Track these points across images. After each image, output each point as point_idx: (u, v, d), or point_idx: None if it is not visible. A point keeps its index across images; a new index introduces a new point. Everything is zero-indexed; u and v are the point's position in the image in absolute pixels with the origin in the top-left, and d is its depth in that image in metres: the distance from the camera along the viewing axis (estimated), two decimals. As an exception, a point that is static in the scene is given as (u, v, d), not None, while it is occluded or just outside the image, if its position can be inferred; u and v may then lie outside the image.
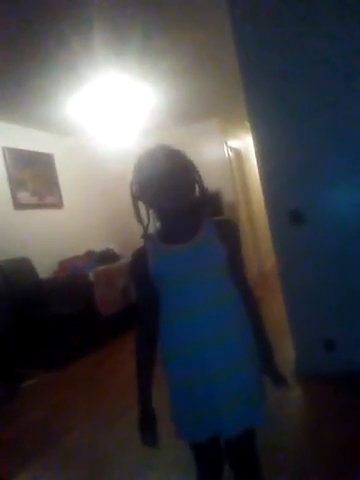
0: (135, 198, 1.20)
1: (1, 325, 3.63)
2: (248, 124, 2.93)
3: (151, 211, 1.20)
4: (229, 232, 1.21)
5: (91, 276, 4.52)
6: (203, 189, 1.21)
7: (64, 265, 4.98)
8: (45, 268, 4.76)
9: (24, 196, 4.90)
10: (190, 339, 1.13)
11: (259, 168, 2.85)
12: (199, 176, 1.21)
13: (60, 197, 5.48)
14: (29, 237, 4.72)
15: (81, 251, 5.26)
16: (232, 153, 6.66)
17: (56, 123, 5.07)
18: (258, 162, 2.85)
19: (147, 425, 1.20)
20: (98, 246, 5.44)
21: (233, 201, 6.22)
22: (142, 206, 1.21)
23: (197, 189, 1.20)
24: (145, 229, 1.22)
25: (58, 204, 5.44)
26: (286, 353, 2.92)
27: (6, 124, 4.76)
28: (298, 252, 2.73)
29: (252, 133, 2.85)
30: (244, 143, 7.02)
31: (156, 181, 1.12)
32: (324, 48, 2.53)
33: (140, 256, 1.20)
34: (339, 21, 2.50)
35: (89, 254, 5.28)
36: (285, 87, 2.66)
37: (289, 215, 2.68)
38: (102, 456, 2.32)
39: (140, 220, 1.21)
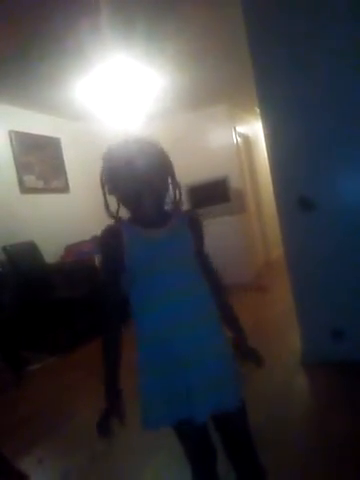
0: (105, 191, 1.19)
1: (7, 309, 3.64)
2: (257, 109, 2.88)
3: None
4: (195, 222, 1.23)
5: (97, 261, 4.52)
6: (177, 184, 1.20)
7: (70, 250, 4.98)
8: (51, 252, 4.77)
9: (30, 180, 4.88)
10: (164, 325, 1.14)
11: (268, 154, 2.80)
12: (173, 172, 1.19)
13: (66, 181, 5.46)
14: (35, 221, 4.73)
15: (87, 236, 5.25)
16: (240, 139, 6.59)
17: (63, 107, 5.02)
18: (267, 148, 2.81)
19: (112, 411, 1.20)
20: (104, 231, 5.43)
21: (240, 188, 6.17)
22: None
23: (170, 185, 1.19)
24: (116, 219, 1.21)
25: (64, 188, 5.42)
26: (292, 342, 2.91)
27: (13, 108, 4.73)
28: (306, 240, 2.70)
29: (261, 118, 2.80)
30: (253, 129, 6.94)
31: (128, 181, 1.10)
32: (336, 35, 2.48)
33: (114, 237, 1.15)
34: (352, 12, 2.44)
35: (95, 239, 5.27)
36: (296, 72, 2.61)
37: (298, 202, 2.64)
38: (109, 439, 2.33)
39: (111, 213, 1.19)
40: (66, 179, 5.46)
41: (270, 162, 2.79)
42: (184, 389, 1.13)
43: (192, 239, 1.18)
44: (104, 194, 1.19)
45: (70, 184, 5.50)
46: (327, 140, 2.60)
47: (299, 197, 2.64)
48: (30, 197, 4.84)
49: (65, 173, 5.45)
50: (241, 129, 6.57)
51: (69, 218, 5.24)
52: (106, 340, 1.21)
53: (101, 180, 1.18)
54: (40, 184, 5.04)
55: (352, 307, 2.64)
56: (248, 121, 6.82)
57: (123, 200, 1.16)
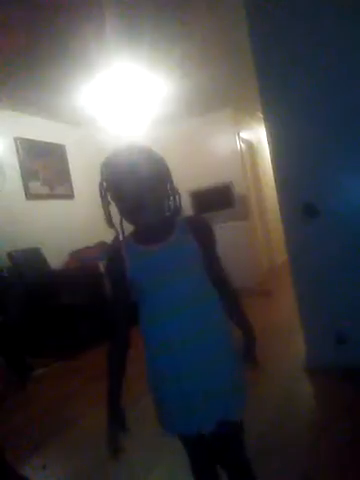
0: (105, 201, 1.17)
1: (12, 314, 3.66)
2: (261, 115, 2.89)
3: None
4: (201, 230, 1.18)
5: (102, 267, 4.53)
6: (175, 191, 1.18)
7: (75, 256, 5.00)
8: (56, 259, 4.79)
9: (36, 186, 4.92)
10: (168, 339, 1.13)
11: (272, 160, 2.81)
12: (170, 176, 1.18)
13: (71, 188, 5.49)
14: (40, 227, 4.76)
15: (92, 242, 5.27)
16: (244, 145, 6.61)
17: (68, 114, 5.07)
18: (271, 154, 2.81)
19: (113, 428, 1.23)
20: (108, 237, 5.43)
21: (244, 193, 6.18)
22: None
23: (169, 190, 1.17)
24: (120, 233, 1.19)
25: (69, 195, 5.45)
26: (296, 347, 2.90)
27: (18, 114, 4.78)
28: (310, 246, 2.70)
29: (265, 124, 2.80)
30: (256, 135, 6.96)
31: (128, 189, 1.09)
32: (339, 37, 2.48)
33: (116, 257, 1.16)
34: (352, 9, 2.44)
35: (100, 245, 5.29)
36: (300, 78, 2.61)
37: (302, 208, 2.64)
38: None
39: (111, 224, 1.18)
40: (71, 185, 5.49)
41: (274, 168, 2.80)
42: (190, 400, 1.13)
43: (197, 247, 1.14)
44: (103, 203, 1.17)
45: (75, 190, 5.53)
46: (332, 146, 2.60)
47: (303, 204, 2.64)
48: (35, 203, 4.87)
49: (70, 179, 5.49)
50: (245, 135, 6.59)
51: (74, 224, 5.27)
52: (112, 353, 1.23)
53: (100, 189, 1.17)
54: (45, 190, 5.07)
55: (356, 313, 2.62)
56: (252, 127, 6.84)
57: (122, 209, 1.14)
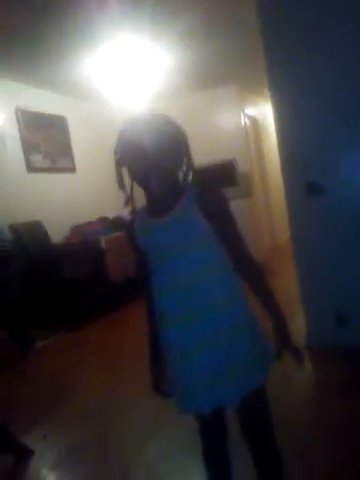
0: (118, 165, 1.15)
1: (14, 287, 3.67)
2: (267, 91, 2.83)
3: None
4: (210, 201, 1.12)
5: (103, 243, 4.53)
6: (190, 165, 1.16)
7: (76, 230, 4.99)
8: (57, 233, 4.78)
9: (37, 159, 4.87)
10: (175, 313, 1.13)
11: (278, 137, 2.76)
12: (188, 149, 1.16)
13: (73, 161, 5.44)
14: (41, 201, 4.73)
15: (93, 217, 5.26)
16: (249, 121, 6.51)
17: (70, 85, 4.97)
18: (277, 131, 2.77)
19: (157, 386, 1.25)
20: (110, 213, 5.43)
21: (248, 171, 6.12)
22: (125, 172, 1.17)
23: (184, 164, 1.15)
24: (129, 197, 1.19)
25: (71, 168, 5.40)
26: (297, 327, 2.92)
27: (19, 84, 4.68)
28: (313, 224, 2.68)
29: (272, 101, 2.75)
30: (262, 111, 6.85)
31: (139, 156, 1.08)
32: (348, 16, 2.42)
33: (129, 230, 1.21)
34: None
35: (101, 220, 5.28)
36: (308, 54, 2.56)
37: (306, 186, 2.62)
38: (113, 415, 2.38)
39: (123, 187, 1.17)
40: (72, 159, 5.44)
41: (279, 146, 2.76)
42: (203, 377, 1.12)
43: (203, 221, 1.09)
44: (117, 169, 1.16)
45: (76, 164, 5.48)
46: (338, 124, 2.56)
47: (307, 182, 2.62)
48: (37, 176, 4.84)
49: (71, 153, 5.43)
50: (250, 111, 6.48)
51: (75, 198, 5.24)
52: (147, 312, 1.25)
53: (115, 154, 1.15)
54: (47, 163, 5.02)
55: (358, 293, 2.63)
56: (257, 103, 6.73)
57: (133, 177, 1.14)
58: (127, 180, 1.18)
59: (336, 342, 2.63)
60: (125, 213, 5.65)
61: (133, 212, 1.22)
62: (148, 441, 2.07)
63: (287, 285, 3.08)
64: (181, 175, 1.15)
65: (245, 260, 1.16)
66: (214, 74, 5.30)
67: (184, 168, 1.15)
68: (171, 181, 1.14)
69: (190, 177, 1.17)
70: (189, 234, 1.12)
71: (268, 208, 6.99)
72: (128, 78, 4.73)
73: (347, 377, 2.36)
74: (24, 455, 2.10)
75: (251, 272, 1.17)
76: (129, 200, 1.20)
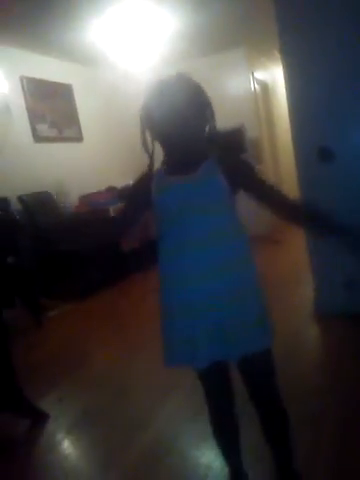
0: (143, 125, 1.17)
1: (25, 257, 3.71)
2: (277, 54, 2.74)
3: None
4: (232, 166, 1.16)
5: (112, 212, 4.53)
6: (213, 128, 1.18)
7: (84, 200, 4.98)
8: (65, 202, 4.77)
9: (43, 128, 4.81)
10: (190, 270, 1.15)
11: (288, 102, 2.69)
12: (212, 113, 1.17)
13: (79, 130, 5.37)
14: (49, 171, 4.71)
15: (101, 186, 5.23)
16: (258, 86, 6.34)
17: (75, 52, 4.85)
18: (288, 96, 2.69)
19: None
20: (119, 182, 5.40)
21: (257, 137, 6.00)
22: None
23: (207, 127, 1.17)
24: (151, 158, 1.20)
25: (78, 137, 5.35)
26: (306, 294, 2.93)
27: (24, 52, 4.59)
28: (324, 190, 2.63)
29: (283, 64, 2.67)
30: (271, 75, 6.65)
31: (164, 112, 1.09)
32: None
33: (144, 181, 1.21)
34: None
35: (110, 190, 5.25)
36: (321, 17, 2.47)
37: (317, 152, 2.56)
38: (126, 380, 2.44)
39: (147, 148, 1.19)
40: (79, 128, 5.37)
41: (290, 111, 2.69)
42: (206, 331, 1.15)
43: (223, 185, 1.13)
44: (142, 130, 1.17)
45: (83, 133, 5.41)
46: (351, 89, 2.49)
47: (318, 147, 2.56)
48: (43, 146, 4.79)
49: (78, 121, 5.35)
50: (259, 75, 6.29)
51: (83, 168, 5.20)
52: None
53: (141, 114, 1.16)
54: (53, 133, 4.97)
55: (367, 260, 2.62)
56: (267, 66, 6.52)
57: (158, 136, 1.16)
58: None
59: (345, 308, 2.64)
60: (132, 182, 5.64)
61: (151, 169, 1.21)
62: (162, 405, 2.12)
63: (295, 252, 3.08)
64: (205, 136, 1.17)
65: (288, 200, 1.18)
66: (222, 37, 5.12)
67: (207, 128, 1.17)
68: (196, 140, 1.15)
69: (215, 138, 1.18)
70: (211, 194, 1.15)
71: (277, 175, 6.88)
72: (134, 42, 4.59)
73: (357, 342, 2.37)
74: (39, 419, 2.17)
75: (299, 213, 1.20)
76: (152, 162, 1.21)
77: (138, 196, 1.23)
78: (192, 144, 1.14)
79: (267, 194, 1.19)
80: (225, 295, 1.15)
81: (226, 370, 1.28)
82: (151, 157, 1.20)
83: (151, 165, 1.21)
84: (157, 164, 1.22)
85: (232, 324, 1.15)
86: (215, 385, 1.30)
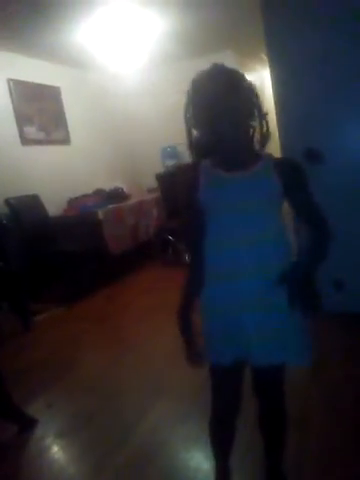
0: (189, 124, 1.13)
1: (13, 261, 3.68)
2: (264, 57, 2.76)
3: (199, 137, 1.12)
4: (288, 170, 1.15)
5: (100, 215, 4.51)
6: (262, 115, 1.13)
7: (73, 203, 4.96)
8: (54, 206, 4.75)
9: (31, 131, 4.78)
10: (228, 268, 1.13)
11: (276, 103, 2.71)
12: (259, 100, 1.14)
13: (67, 133, 5.34)
14: (37, 174, 4.68)
15: (89, 189, 5.22)
16: (246, 88, 6.36)
17: (63, 54, 4.82)
18: (275, 97, 2.71)
19: (190, 343, 1.22)
20: (107, 185, 5.38)
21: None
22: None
23: (256, 115, 1.13)
24: (203, 156, 1.16)
25: (65, 140, 5.32)
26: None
27: (10, 54, 4.55)
28: (312, 191, 2.66)
29: (270, 67, 2.69)
30: (259, 77, 6.67)
31: (215, 101, 1.05)
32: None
33: (190, 180, 1.17)
34: None
35: (98, 193, 5.24)
36: (307, 20, 2.49)
37: (305, 153, 2.58)
38: (114, 385, 2.42)
39: (196, 149, 1.14)
40: (67, 130, 5.34)
41: (277, 112, 2.71)
42: (243, 330, 1.14)
43: (278, 186, 1.11)
44: (188, 129, 1.13)
45: (71, 136, 5.38)
46: (337, 91, 2.52)
47: (306, 149, 2.58)
48: (31, 149, 4.76)
49: (66, 124, 5.33)
50: (247, 77, 6.33)
51: (71, 171, 5.18)
52: (190, 271, 1.22)
53: (185, 114, 1.13)
54: (41, 135, 4.94)
55: (354, 260, 2.64)
56: (255, 69, 6.56)
57: (207, 133, 1.10)
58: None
59: (334, 308, 2.65)
60: (121, 184, 5.59)
61: (197, 164, 1.18)
62: (151, 408, 2.11)
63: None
64: (256, 134, 1.13)
65: (324, 224, 1.19)
66: (210, 39, 5.14)
67: (257, 124, 1.13)
68: (246, 133, 1.12)
69: (267, 134, 1.14)
70: (265, 194, 1.12)
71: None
72: (122, 44, 4.59)
73: (343, 342, 2.39)
74: (28, 424, 2.15)
75: (326, 235, 1.19)
76: (199, 161, 1.17)
77: (194, 197, 1.15)
78: (244, 131, 1.11)
79: (306, 211, 1.20)
80: (268, 297, 1.13)
81: (241, 371, 1.26)
82: (195, 150, 1.14)
83: (198, 164, 1.17)
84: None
85: (271, 328, 1.14)
86: (232, 383, 1.27)
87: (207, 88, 1.07)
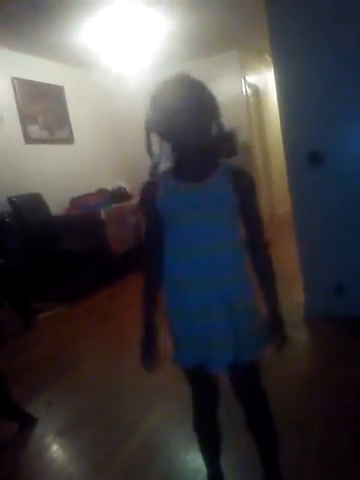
0: (148, 128, 1.14)
1: (15, 259, 3.68)
2: (268, 58, 2.76)
3: (164, 145, 1.15)
4: (243, 183, 1.16)
5: (103, 214, 4.52)
6: (221, 127, 1.15)
7: (76, 202, 4.96)
8: (56, 205, 4.76)
9: (34, 130, 4.79)
10: (186, 276, 1.15)
11: (279, 105, 2.71)
12: (219, 112, 1.15)
13: (71, 132, 5.35)
14: (40, 173, 4.68)
15: (92, 188, 5.22)
16: (250, 89, 6.37)
17: (67, 53, 4.84)
18: (279, 100, 2.70)
19: (147, 348, 1.26)
20: (109, 184, 5.39)
21: (248, 141, 6.03)
22: (154, 139, 1.16)
23: (215, 126, 1.14)
24: (155, 163, 1.17)
25: (69, 139, 5.33)
26: (295, 297, 2.94)
27: (15, 53, 4.56)
28: (314, 195, 2.66)
29: (274, 68, 2.68)
30: (263, 79, 6.68)
31: (174, 111, 1.06)
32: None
33: (149, 191, 1.18)
34: None
35: (101, 192, 5.24)
36: (312, 21, 2.48)
37: (308, 156, 2.58)
38: (114, 385, 2.42)
39: (151, 153, 1.17)
40: (70, 130, 5.35)
41: (281, 114, 2.70)
42: (202, 337, 1.16)
43: (233, 195, 1.12)
44: (147, 134, 1.14)
45: (75, 135, 5.39)
46: (341, 93, 2.51)
47: (309, 151, 2.58)
48: (35, 148, 4.77)
49: (69, 123, 5.34)
50: (251, 79, 6.33)
51: (74, 170, 5.18)
52: (146, 279, 1.26)
53: (146, 118, 1.14)
54: (44, 134, 4.95)
55: (356, 263, 2.64)
56: (259, 70, 6.56)
57: (165, 140, 1.13)
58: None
59: (335, 312, 2.65)
60: (123, 184, 5.60)
61: (154, 175, 1.19)
62: (151, 409, 2.11)
63: (285, 256, 3.09)
64: (214, 140, 1.15)
65: (262, 240, 1.22)
66: (214, 40, 5.15)
67: (216, 132, 1.14)
68: (206, 136, 1.13)
69: (226, 144, 1.18)
70: (221, 204, 1.14)
71: (268, 179, 6.92)
72: (126, 45, 4.60)
73: (345, 345, 2.39)
74: (27, 423, 2.15)
75: (263, 253, 1.22)
76: (156, 167, 1.18)
77: (149, 206, 1.18)
78: (203, 141, 1.11)
79: (252, 225, 1.20)
80: (228, 303, 1.16)
81: (215, 377, 1.28)
82: (156, 163, 1.17)
83: (155, 171, 1.19)
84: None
85: (228, 333, 1.16)
86: (200, 390, 1.31)
87: (172, 97, 1.07)
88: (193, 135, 1.08)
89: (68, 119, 5.32)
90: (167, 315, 1.23)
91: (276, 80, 2.68)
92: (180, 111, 1.06)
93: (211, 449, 1.41)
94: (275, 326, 1.22)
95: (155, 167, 1.18)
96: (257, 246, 1.20)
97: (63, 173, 4.97)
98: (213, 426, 1.37)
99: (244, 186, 1.16)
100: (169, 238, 1.18)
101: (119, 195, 5.20)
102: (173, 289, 1.20)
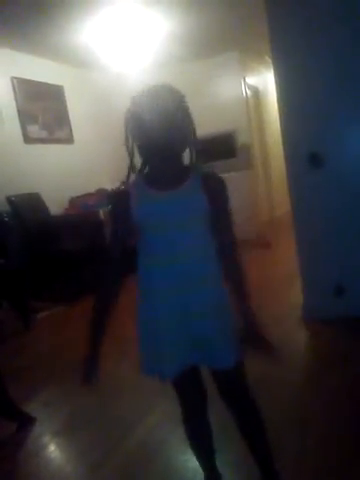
0: (127, 131, 1.16)
1: (14, 259, 3.68)
2: (268, 59, 2.76)
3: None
4: (215, 187, 1.17)
5: (102, 214, 4.51)
6: (195, 138, 1.17)
7: (74, 202, 4.96)
8: (55, 204, 4.75)
9: (34, 130, 4.79)
10: (161, 285, 1.16)
11: (279, 107, 2.71)
12: (192, 124, 1.16)
13: (70, 132, 5.35)
14: (39, 172, 4.68)
15: (91, 188, 5.22)
16: (250, 91, 6.37)
17: (67, 53, 4.84)
18: (278, 101, 2.71)
19: (89, 365, 1.32)
20: (109, 184, 5.38)
21: (248, 143, 6.03)
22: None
23: (189, 137, 1.15)
24: (131, 168, 1.19)
25: (68, 139, 5.32)
26: (294, 298, 2.95)
27: (15, 53, 4.56)
28: (314, 196, 2.67)
29: (274, 69, 2.69)
30: (263, 80, 6.69)
31: (150, 120, 1.07)
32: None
33: (122, 199, 1.17)
34: None
35: (100, 192, 5.24)
36: (312, 23, 2.49)
37: (308, 158, 2.58)
38: (113, 385, 2.41)
39: (132, 157, 1.17)
40: (70, 129, 5.35)
41: (281, 116, 2.71)
42: (177, 344, 1.18)
43: (205, 200, 1.13)
44: (126, 136, 1.16)
45: (74, 135, 5.39)
46: (341, 94, 2.52)
47: (309, 153, 2.58)
48: (34, 147, 4.77)
49: (69, 123, 5.34)
50: (251, 80, 6.33)
51: (73, 170, 5.18)
52: (101, 294, 1.31)
53: (125, 122, 1.16)
54: (44, 134, 4.94)
55: (355, 264, 2.64)
56: (259, 71, 6.56)
57: (140, 145, 1.13)
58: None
59: (333, 313, 2.65)
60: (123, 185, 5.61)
61: (126, 183, 1.20)
62: (149, 409, 2.11)
63: (284, 257, 3.09)
64: (187, 150, 1.16)
65: (232, 245, 1.22)
66: (214, 41, 5.15)
67: (189, 142, 1.16)
68: (179, 155, 1.15)
69: (197, 155, 1.17)
70: (194, 211, 1.15)
71: (267, 180, 6.92)
72: (126, 45, 4.60)
73: (344, 346, 2.39)
74: (25, 422, 2.15)
75: (234, 258, 1.22)
76: (131, 172, 1.19)
77: (121, 215, 1.17)
78: (176, 152, 1.13)
79: (222, 233, 1.19)
80: (204, 309, 1.17)
81: (197, 379, 1.30)
82: (130, 166, 1.18)
83: (128, 176, 1.19)
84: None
85: (210, 337, 1.17)
86: (184, 392, 1.33)
87: (146, 107, 1.08)
88: (169, 143, 1.08)
89: (68, 119, 5.31)
90: (140, 326, 1.25)
91: (276, 81, 2.68)
92: (149, 122, 1.07)
93: (205, 454, 1.41)
94: (251, 331, 1.20)
95: (129, 173, 1.19)
96: (227, 247, 1.20)
97: (62, 173, 4.97)
98: (203, 428, 1.37)
99: (213, 187, 1.16)
100: (143, 247, 1.18)
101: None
102: (144, 297, 1.21)
